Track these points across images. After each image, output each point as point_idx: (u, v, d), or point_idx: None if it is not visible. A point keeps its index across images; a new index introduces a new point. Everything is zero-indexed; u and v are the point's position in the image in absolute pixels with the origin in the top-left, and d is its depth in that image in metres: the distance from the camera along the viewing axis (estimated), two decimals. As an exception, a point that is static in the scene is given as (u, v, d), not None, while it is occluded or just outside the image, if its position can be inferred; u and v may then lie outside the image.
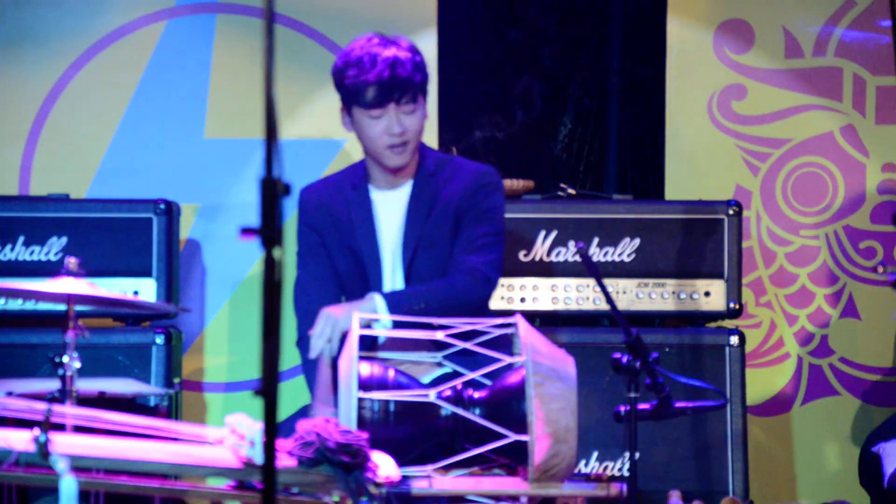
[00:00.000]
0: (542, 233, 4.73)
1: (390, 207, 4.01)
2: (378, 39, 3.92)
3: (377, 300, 3.77)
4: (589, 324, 4.77)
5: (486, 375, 3.42)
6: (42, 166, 5.14)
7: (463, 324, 3.51)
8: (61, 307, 3.59)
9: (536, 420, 3.16)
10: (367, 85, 3.88)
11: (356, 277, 4.00)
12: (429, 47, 5.17)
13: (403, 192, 4.01)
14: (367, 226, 3.99)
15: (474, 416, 3.30)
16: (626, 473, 3.25)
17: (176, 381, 4.71)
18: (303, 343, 4.04)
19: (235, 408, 5.04)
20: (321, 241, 4.03)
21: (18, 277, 4.57)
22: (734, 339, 4.67)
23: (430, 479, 3.19)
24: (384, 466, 3.03)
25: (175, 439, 2.96)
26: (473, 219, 3.97)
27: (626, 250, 4.73)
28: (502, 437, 3.23)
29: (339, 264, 4.02)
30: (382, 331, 3.71)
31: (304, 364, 4.04)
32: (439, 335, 3.49)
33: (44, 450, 2.72)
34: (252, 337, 5.15)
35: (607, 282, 4.68)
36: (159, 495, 2.96)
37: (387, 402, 3.31)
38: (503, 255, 3.99)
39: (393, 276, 3.99)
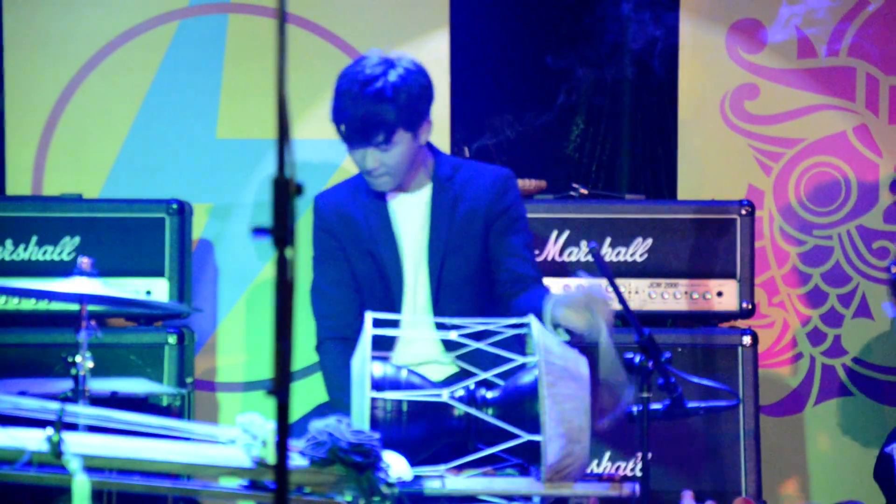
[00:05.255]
0: (555, 233, 4.73)
1: (409, 211, 4.01)
2: (369, 72, 3.86)
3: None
4: (601, 324, 4.76)
5: (499, 375, 3.42)
6: (55, 166, 5.14)
7: (476, 323, 3.51)
8: (74, 307, 3.60)
9: (549, 420, 3.15)
10: (339, 125, 3.89)
11: (376, 281, 4.00)
12: (441, 48, 5.17)
13: (422, 197, 4.01)
14: (385, 230, 3.99)
15: (487, 416, 3.30)
16: (638, 473, 3.25)
17: (188, 380, 4.71)
18: (322, 347, 4.05)
19: (248, 408, 5.06)
20: (339, 246, 4.04)
21: (31, 277, 4.57)
22: (747, 339, 4.67)
23: (442, 478, 3.19)
24: (396, 466, 3.03)
25: (187, 439, 2.96)
26: (508, 227, 3.99)
27: (638, 250, 4.73)
28: (515, 436, 3.23)
29: (358, 269, 4.02)
30: (396, 331, 3.71)
31: (324, 366, 4.04)
32: (453, 335, 3.49)
33: (57, 449, 2.73)
34: (264, 337, 5.15)
35: (620, 282, 4.67)
36: (172, 494, 2.96)
37: (399, 401, 3.31)
38: None
39: (415, 280, 3.99)
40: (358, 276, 4.03)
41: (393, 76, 3.85)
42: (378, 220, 4.00)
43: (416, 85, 3.89)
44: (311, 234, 4.14)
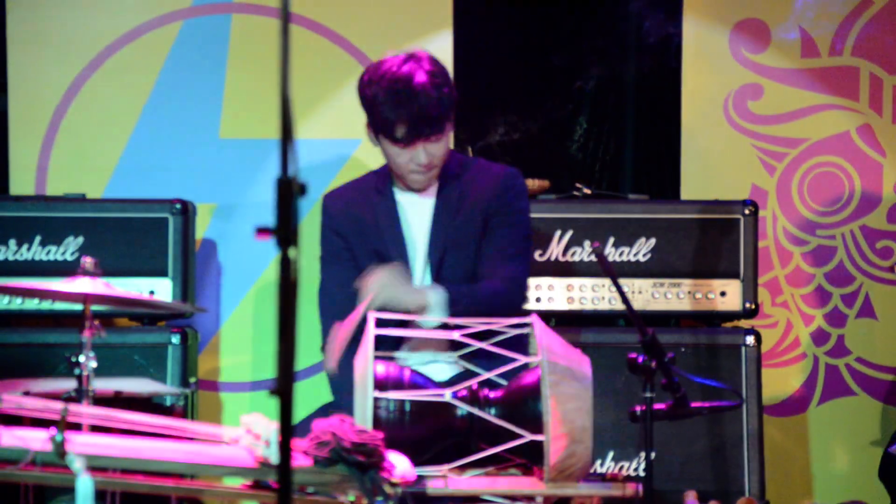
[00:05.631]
0: (558, 232, 4.73)
1: (417, 210, 4.01)
2: (405, 69, 3.84)
3: (435, 294, 3.75)
4: (605, 324, 4.77)
5: (501, 375, 3.42)
6: (59, 166, 5.15)
7: (479, 323, 3.51)
8: (78, 307, 3.60)
9: (552, 420, 3.15)
10: (395, 124, 3.85)
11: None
12: (444, 47, 5.17)
13: (429, 195, 4.00)
14: (394, 229, 3.98)
15: (490, 415, 3.30)
16: (641, 473, 3.25)
17: (192, 380, 4.71)
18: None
19: (252, 407, 5.06)
20: (346, 246, 4.02)
21: (35, 277, 4.58)
22: (750, 339, 4.67)
23: (445, 478, 3.19)
24: (399, 466, 3.03)
25: (191, 439, 2.96)
26: (503, 222, 3.97)
27: (641, 250, 4.73)
28: (518, 436, 3.23)
29: (365, 268, 4.01)
30: (398, 330, 3.71)
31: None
32: (455, 335, 3.49)
33: (60, 449, 2.73)
34: (268, 336, 5.15)
35: (623, 282, 4.67)
36: (175, 494, 2.96)
37: (402, 401, 3.31)
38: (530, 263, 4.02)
39: (422, 279, 3.99)
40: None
41: (427, 67, 3.86)
42: (387, 220, 3.99)
43: (445, 72, 3.91)
44: (313, 234, 4.13)
